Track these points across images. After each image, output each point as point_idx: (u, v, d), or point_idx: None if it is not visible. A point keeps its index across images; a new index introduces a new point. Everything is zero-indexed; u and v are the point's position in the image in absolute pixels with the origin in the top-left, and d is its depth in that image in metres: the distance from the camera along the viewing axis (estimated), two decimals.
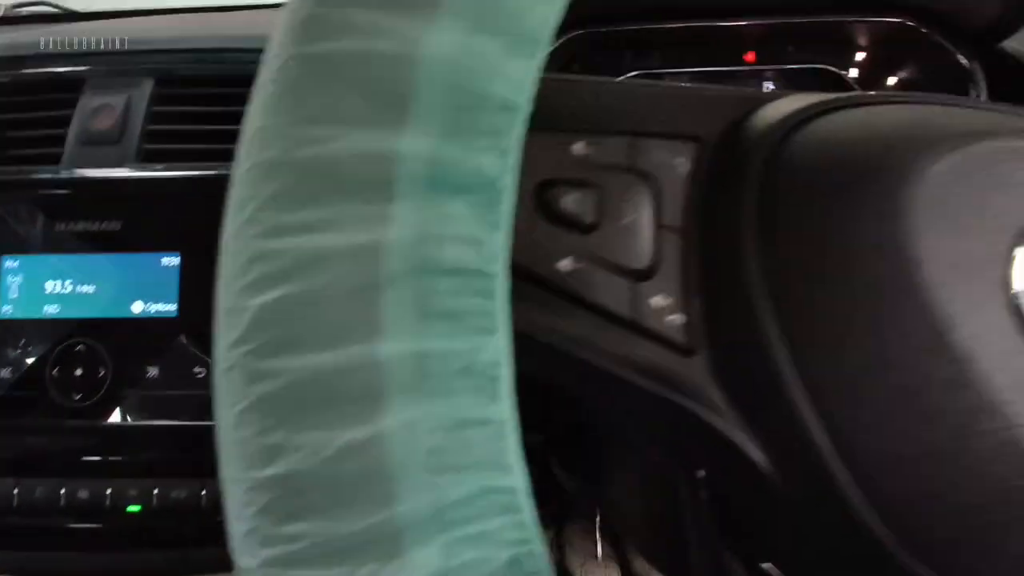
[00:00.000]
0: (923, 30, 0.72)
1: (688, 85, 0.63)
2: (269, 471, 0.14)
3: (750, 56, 0.80)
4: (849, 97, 0.29)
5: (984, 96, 0.70)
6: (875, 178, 0.22)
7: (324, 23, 0.16)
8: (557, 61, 0.78)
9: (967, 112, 0.27)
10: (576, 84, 0.31)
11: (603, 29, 0.75)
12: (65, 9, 0.86)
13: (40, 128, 0.61)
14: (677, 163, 0.27)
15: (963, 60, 0.71)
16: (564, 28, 0.74)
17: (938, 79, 0.76)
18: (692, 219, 0.26)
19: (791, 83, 0.80)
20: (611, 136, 0.27)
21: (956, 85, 0.73)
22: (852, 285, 0.22)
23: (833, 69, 0.79)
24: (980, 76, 0.71)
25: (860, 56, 0.79)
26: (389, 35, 0.16)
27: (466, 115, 0.16)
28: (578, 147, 0.27)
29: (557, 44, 0.74)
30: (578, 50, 0.79)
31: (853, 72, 0.79)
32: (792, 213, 0.24)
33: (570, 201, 0.26)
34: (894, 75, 0.79)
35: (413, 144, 0.16)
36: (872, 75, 0.79)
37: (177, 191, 0.57)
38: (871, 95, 0.30)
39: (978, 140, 0.22)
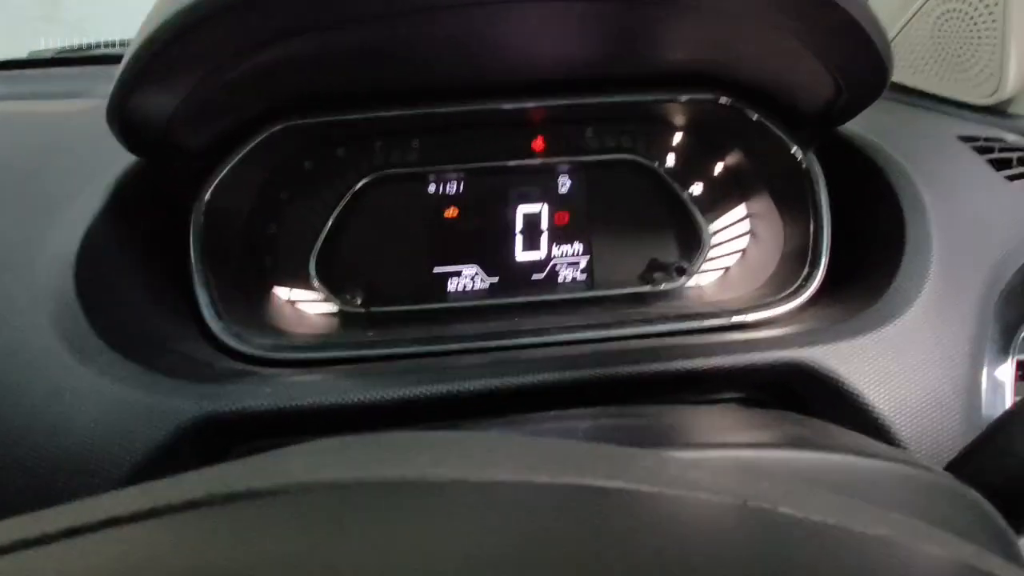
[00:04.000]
0: (748, 112, 0.55)
1: None
2: None
3: (538, 143, 0.61)
4: None
5: (821, 186, 0.54)
6: None
7: None
8: (270, 161, 0.56)
9: None
10: None
11: (318, 120, 0.53)
12: None
13: None
14: None
15: (796, 150, 0.54)
16: (261, 120, 0.52)
17: (767, 170, 0.59)
18: None
19: (591, 178, 0.61)
20: None
21: (788, 176, 0.56)
22: None
23: (644, 161, 0.61)
24: (815, 166, 0.54)
25: (675, 143, 0.61)
26: None
27: None
28: None
29: (257, 141, 0.52)
30: (304, 144, 0.57)
31: (669, 161, 0.61)
32: None
33: None
34: (715, 165, 0.61)
35: None
36: (690, 166, 0.61)
37: None
38: None
39: None
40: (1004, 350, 0.44)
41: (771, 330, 0.47)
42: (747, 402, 0.44)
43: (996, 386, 0.43)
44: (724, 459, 0.21)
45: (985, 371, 0.42)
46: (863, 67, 0.44)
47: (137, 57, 0.36)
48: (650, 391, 0.42)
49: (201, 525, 0.15)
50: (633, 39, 0.48)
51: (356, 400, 0.38)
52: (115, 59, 1.05)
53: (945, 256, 0.45)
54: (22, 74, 0.92)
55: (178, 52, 0.37)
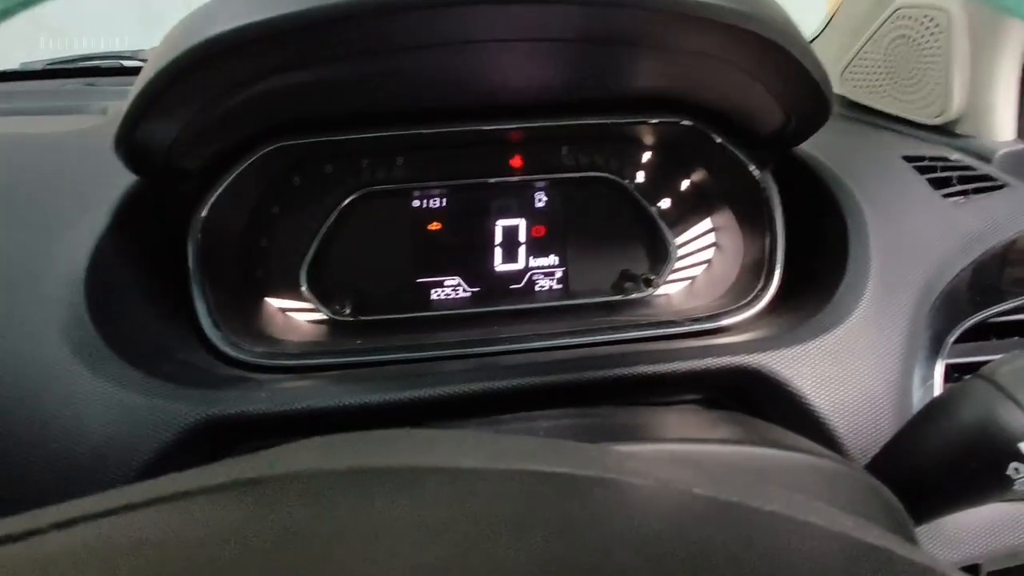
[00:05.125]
0: (710, 134, 0.60)
1: None
2: None
3: (516, 160, 0.65)
4: None
5: (776, 204, 0.58)
6: None
7: None
8: (263, 178, 0.59)
9: None
10: None
11: (309, 140, 0.57)
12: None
13: None
14: None
15: (753, 169, 0.59)
16: (254, 140, 0.56)
17: (728, 188, 0.63)
18: None
19: (566, 194, 0.66)
20: None
21: (748, 194, 0.60)
22: None
23: (615, 178, 0.65)
24: (771, 185, 0.59)
25: (644, 161, 0.66)
26: None
27: None
28: None
29: (248, 163, 0.55)
30: (294, 162, 0.61)
31: (639, 178, 0.66)
32: None
33: None
34: (681, 183, 0.66)
35: None
36: (657, 183, 0.66)
37: None
38: None
39: None
40: (935, 354, 0.49)
41: (728, 337, 0.51)
42: (705, 403, 0.49)
43: (927, 387, 0.48)
44: (659, 452, 0.25)
45: (916, 374, 0.47)
46: (807, 101, 0.48)
47: (144, 93, 0.39)
48: (617, 394, 0.46)
49: (224, 505, 0.18)
50: (604, 71, 0.52)
51: (347, 404, 0.41)
52: (103, 71, 1.09)
53: (883, 270, 0.50)
54: (15, 88, 0.94)
55: (182, 88, 0.40)
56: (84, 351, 0.40)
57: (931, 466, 0.33)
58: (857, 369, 0.45)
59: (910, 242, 0.52)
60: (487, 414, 0.45)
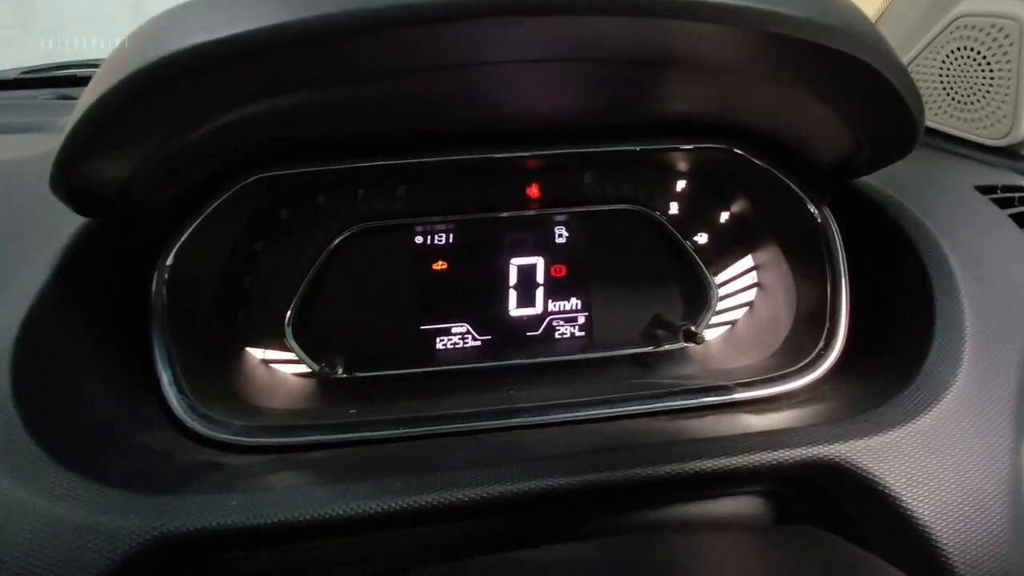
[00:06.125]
0: (757, 162, 0.51)
1: None
2: None
3: (533, 190, 0.57)
4: None
5: (837, 245, 0.50)
6: None
7: None
8: (245, 213, 0.51)
9: None
10: None
11: (296, 171, 0.48)
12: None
13: None
14: None
15: (811, 204, 0.51)
16: (232, 171, 0.47)
17: (778, 223, 0.55)
18: None
19: (590, 228, 0.57)
20: None
21: (801, 230, 0.52)
22: None
23: (645, 210, 0.57)
24: (831, 222, 0.51)
25: (678, 191, 0.57)
26: None
27: None
28: None
29: (227, 196, 0.47)
30: (281, 194, 0.53)
31: (673, 210, 0.58)
32: None
33: None
34: (721, 216, 0.58)
35: None
36: (695, 216, 0.57)
37: None
38: None
39: None
40: None
41: (791, 412, 0.43)
42: (768, 496, 0.41)
43: None
44: None
45: None
46: (890, 128, 0.40)
47: (83, 124, 0.31)
48: (662, 491, 0.38)
49: None
50: (637, 93, 0.44)
51: (332, 515, 0.33)
52: (82, 81, 1.01)
53: (979, 330, 0.42)
54: None
55: (131, 119, 0.32)
56: (6, 451, 0.32)
57: None
58: (961, 461, 0.37)
59: (1005, 292, 0.44)
60: (499, 518, 0.37)
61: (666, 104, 0.49)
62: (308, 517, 0.33)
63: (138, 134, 0.35)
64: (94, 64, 1.06)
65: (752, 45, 0.35)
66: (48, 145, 0.55)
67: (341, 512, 0.33)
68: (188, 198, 0.47)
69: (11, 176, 0.50)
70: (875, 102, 0.38)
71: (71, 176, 0.35)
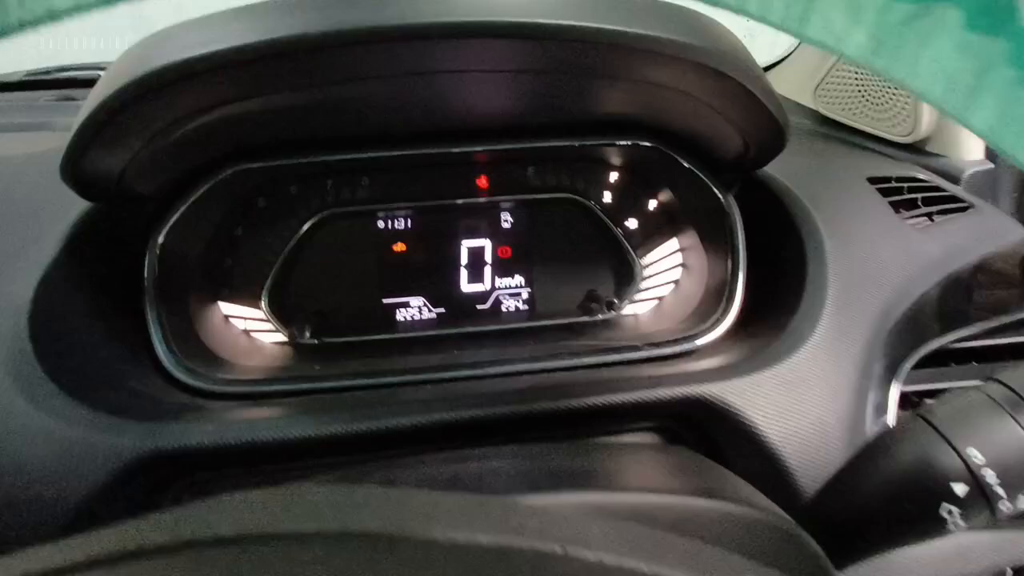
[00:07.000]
0: (676, 157, 0.59)
1: None
2: None
3: (482, 181, 0.65)
4: None
5: (738, 227, 0.58)
6: None
7: None
8: (226, 200, 0.59)
9: None
10: None
11: (270, 164, 0.56)
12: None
13: None
14: None
15: (718, 193, 0.59)
16: (213, 164, 0.55)
17: (694, 209, 0.63)
18: None
19: (533, 215, 0.65)
20: None
21: (712, 216, 0.60)
22: None
23: (582, 199, 0.65)
24: (734, 207, 0.59)
25: (610, 182, 0.65)
26: None
27: None
28: None
29: (210, 185, 0.55)
30: (259, 184, 0.61)
31: (606, 199, 0.66)
32: None
33: None
34: (647, 204, 0.66)
35: None
36: (624, 204, 0.65)
37: None
38: None
39: None
40: (889, 381, 0.49)
41: (685, 364, 0.51)
42: (661, 431, 0.49)
43: (880, 414, 0.48)
44: (578, 503, 0.25)
45: (870, 403, 0.47)
46: (763, 131, 0.48)
47: (88, 123, 0.39)
48: (573, 423, 0.46)
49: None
50: (567, 97, 0.52)
51: (295, 436, 0.41)
52: (83, 83, 1.09)
53: (840, 297, 0.50)
54: None
55: (127, 120, 0.40)
56: (26, 386, 0.40)
57: (868, 505, 0.33)
58: (809, 399, 0.45)
59: (868, 267, 0.52)
60: (442, 445, 0.44)
61: (593, 107, 0.57)
62: (272, 438, 0.41)
63: (131, 133, 0.43)
64: (94, 67, 1.14)
65: (644, 61, 0.43)
66: (52, 143, 0.64)
67: (297, 435, 0.41)
68: (175, 187, 0.55)
69: (23, 169, 0.58)
70: (747, 109, 0.46)
71: (77, 167, 0.43)
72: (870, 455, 0.35)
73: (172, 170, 0.52)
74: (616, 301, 0.63)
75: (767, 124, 0.47)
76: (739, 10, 0.17)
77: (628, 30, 0.39)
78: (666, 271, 0.67)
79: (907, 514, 0.32)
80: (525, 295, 0.66)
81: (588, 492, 0.27)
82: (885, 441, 0.35)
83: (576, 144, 0.61)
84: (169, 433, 0.40)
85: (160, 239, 0.53)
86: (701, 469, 0.36)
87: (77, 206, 0.51)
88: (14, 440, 0.38)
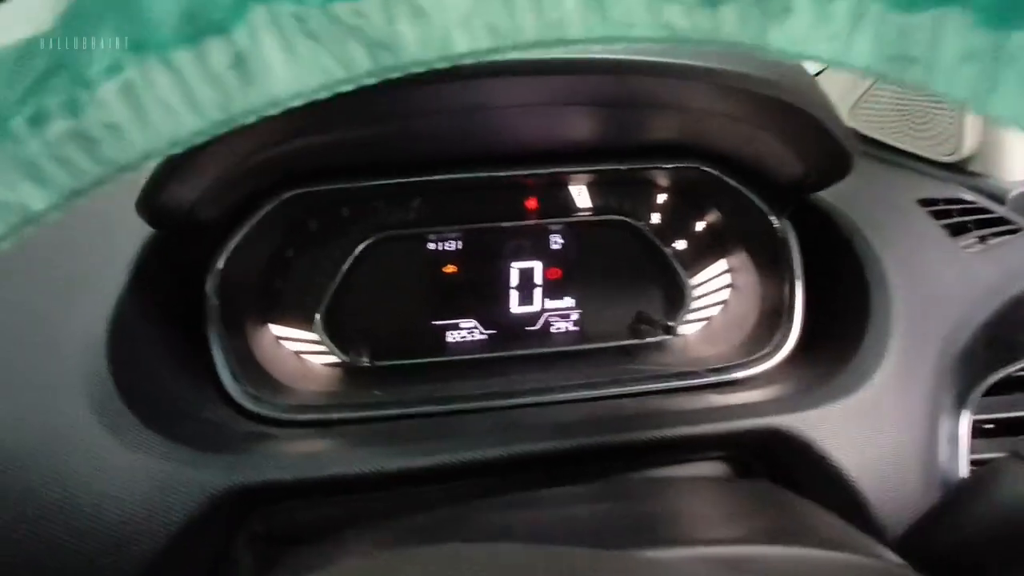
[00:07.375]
0: (727, 180, 0.59)
1: None
2: None
3: (531, 203, 0.65)
4: None
5: (795, 252, 0.58)
6: None
7: None
8: (280, 224, 0.59)
9: None
10: None
11: (326, 187, 0.56)
12: None
13: None
14: None
15: (773, 217, 0.59)
16: (274, 189, 0.55)
17: (745, 231, 0.63)
18: None
19: (582, 236, 0.65)
20: None
21: (763, 237, 0.60)
22: None
23: (631, 221, 0.65)
24: (789, 232, 0.59)
25: (659, 204, 0.65)
26: None
27: None
28: None
29: (268, 209, 0.55)
30: (310, 207, 0.61)
31: (655, 220, 0.66)
32: None
33: None
34: (697, 225, 0.66)
35: None
36: (673, 225, 0.65)
37: None
38: None
39: None
40: (959, 410, 0.49)
41: (750, 392, 0.51)
42: (730, 460, 0.49)
43: (953, 443, 0.48)
44: (696, 558, 0.25)
45: (943, 431, 0.47)
46: (828, 158, 0.48)
47: (171, 159, 0.39)
48: (641, 455, 0.46)
49: None
50: (623, 127, 0.52)
51: (371, 471, 0.41)
52: None
53: (905, 325, 0.50)
54: None
55: (213, 151, 0.40)
56: (110, 420, 0.40)
57: (974, 547, 0.33)
58: (883, 430, 0.45)
59: (930, 294, 0.52)
60: (508, 476, 0.45)
61: (649, 134, 0.57)
62: (350, 472, 0.41)
63: (212, 164, 0.43)
64: None
65: (720, 95, 0.43)
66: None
67: (380, 468, 0.41)
68: (232, 213, 0.55)
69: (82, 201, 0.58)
70: (814, 138, 0.46)
71: (156, 200, 0.43)
72: (967, 498, 0.35)
73: (235, 197, 0.52)
74: (672, 324, 0.62)
75: (833, 151, 0.47)
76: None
77: (697, 64, 0.39)
78: (714, 292, 0.67)
79: (1018, 555, 0.32)
80: (575, 316, 0.66)
81: (713, 547, 0.27)
82: (982, 483, 0.35)
83: (626, 168, 0.61)
84: (250, 467, 0.40)
85: (220, 264, 0.53)
86: (806, 512, 0.36)
87: (137, 233, 0.51)
88: (100, 476, 0.38)
